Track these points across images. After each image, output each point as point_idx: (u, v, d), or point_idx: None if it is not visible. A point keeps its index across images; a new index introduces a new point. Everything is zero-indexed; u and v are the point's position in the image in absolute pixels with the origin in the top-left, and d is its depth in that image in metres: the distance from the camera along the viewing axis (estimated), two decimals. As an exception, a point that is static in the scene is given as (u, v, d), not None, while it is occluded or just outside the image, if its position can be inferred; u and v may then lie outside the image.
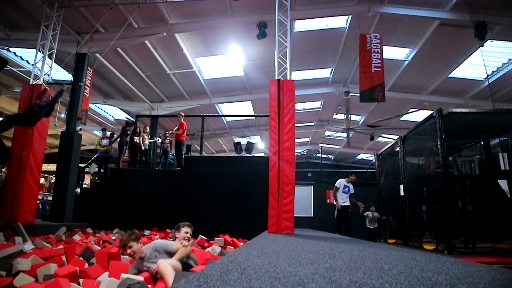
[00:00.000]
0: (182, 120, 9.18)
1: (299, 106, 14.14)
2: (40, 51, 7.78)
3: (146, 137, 9.49)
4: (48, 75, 7.84)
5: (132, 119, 11.51)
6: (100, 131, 10.42)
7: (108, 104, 14.01)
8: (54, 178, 12.52)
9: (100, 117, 15.40)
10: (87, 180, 10.64)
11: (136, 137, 9.39)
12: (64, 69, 11.04)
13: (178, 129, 9.15)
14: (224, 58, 11.25)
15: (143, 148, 9.34)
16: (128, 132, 9.74)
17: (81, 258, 2.89)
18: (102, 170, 9.78)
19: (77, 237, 4.93)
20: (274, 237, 4.37)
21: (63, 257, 2.88)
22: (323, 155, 19.95)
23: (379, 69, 8.41)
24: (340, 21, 9.88)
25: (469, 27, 7.90)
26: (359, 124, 16.17)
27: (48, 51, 7.78)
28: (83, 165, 10.08)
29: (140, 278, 2.11)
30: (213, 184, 7.32)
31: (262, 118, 14.07)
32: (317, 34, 10.30)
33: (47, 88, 7.14)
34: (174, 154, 9.85)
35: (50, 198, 12.22)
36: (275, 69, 6.55)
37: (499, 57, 4.40)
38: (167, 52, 10.78)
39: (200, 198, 7.31)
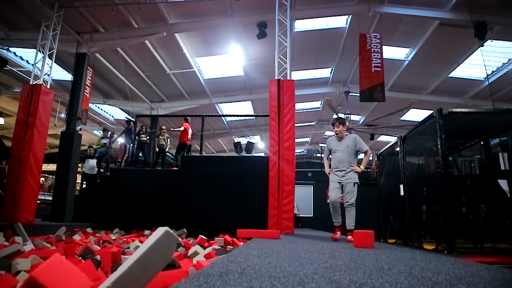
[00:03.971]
0: (185, 122, 9.40)
1: (299, 106, 14.14)
2: (40, 51, 7.78)
3: (161, 137, 9.44)
4: (48, 75, 7.84)
5: (132, 119, 11.52)
6: (101, 131, 10.41)
7: (108, 104, 14.02)
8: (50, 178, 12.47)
9: (100, 117, 15.41)
10: (78, 180, 10.66)
11: (143, 136, 9.41)
12: (64, 69, 11.06)
13: (180, 127, 9.34)
14: (224, 58, 11.25)
15: (156, 149, 9.43)
16: (131, 129, 9.77)
17: (80, 258, 2.90)
18: (102, 170, 9.78)
19: (77, 237, 4.92)
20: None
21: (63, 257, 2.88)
22: (323, 155, 19.91)
23: (379, 69, 8.42)
24: (340, 21, 9.88)
25: (469, 27, 7.91)
26: (359, 124, 16.17)
27: (48, 51, 7.78)
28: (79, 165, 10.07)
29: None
30: (213, 184, 7.31)
31: (262, 118, 14.08)
32: (317, 34, 10.30)
33: None
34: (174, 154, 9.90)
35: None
36: (275, 69, 6.56)
37: (499, 57, 4.40)
38: (167, 52, 10.78)
39: (200, 198, 7.30)
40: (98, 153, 9.59)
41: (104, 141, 9.67)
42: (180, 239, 1.13)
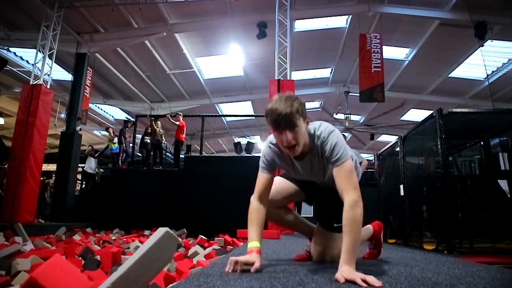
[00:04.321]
0: (180, 119, 9.09)
1: (299, 106, 14.10)
2: (40, 51, 7.78)
3: (158, 131, 9.03)
4: (48, 75, 7.84)
5: (132, 119, 11.50)
6: (105, 131, 10.28)
7: (108, 104, 14.02)
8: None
9: (100, 117, 15.40)
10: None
11: (147, 137, 9.26)
12: (64, 69, 11.06)
13: (176, 121, 9.03)
14: (224, 58, 11.25)
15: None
16: (123, 129, 9.71)
17: (80, 258, 2.90)
18: (102, 170, 9.78)
19: (77, 237, 4.92)
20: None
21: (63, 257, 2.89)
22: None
23: (379, 69, 8.42)
24: (340, 21, 9.88)
25: (469, 27, 7.91)
26: (359, 124, 16.18)
27: (48, 51, 7.78)
28: (83, 165, 10.07)
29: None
30: (213, 184, 7.32)
31: (262, 118, 14.06)
32: (317, 34, 10.30)
33: None
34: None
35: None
36: (275, 69, 6.57)
37: (499, 57, 4.40)
38: (167, 52, 10.78)
39: (200, 198, 7.31)
40: (113, 149, 9.54)
41: (116, 139, 9.66)
42: (180, 239, 1.14)
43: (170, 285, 1.97)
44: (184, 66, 11.40)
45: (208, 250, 3.58)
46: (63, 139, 8.49)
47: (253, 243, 1.50)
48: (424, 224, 4.52)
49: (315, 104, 15.83)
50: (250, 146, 11.22)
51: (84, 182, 9.83)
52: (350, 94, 12.59)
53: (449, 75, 11.34)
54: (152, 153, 9.18)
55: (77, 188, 10.93)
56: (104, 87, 12.84)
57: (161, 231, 1.19)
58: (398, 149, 5.42)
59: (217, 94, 13.70)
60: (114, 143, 9.52)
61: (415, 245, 4.41)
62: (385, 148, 6.55)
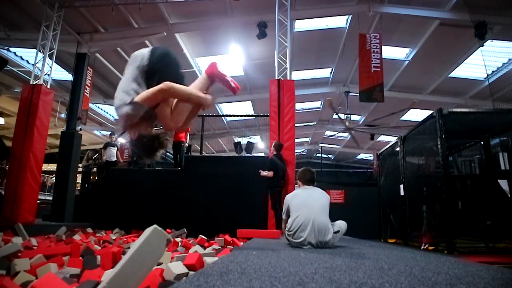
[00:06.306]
0: None
1: (299, 106, 14.13)
2: (40, 51, 7.78)
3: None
4: (49, 75, 7.84)
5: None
6: (100, 131, 10.34)
7: (108, 104, 14.01)
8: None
9: (100, 117, 15.41)
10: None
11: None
12: (64, 69, 11.07)
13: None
14: (224, 58, 11.25)
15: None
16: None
17: (81, 257, 2.91)
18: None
19: (77, 237, 4.93)
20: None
21: (65, 258, 2.90)
22: (323, 155, 20.01)
23: (378, 69, 8.41)
24: (340, 21, 9.87)
25: (469, 27, 7.90)
26: (359, 124, 16.17)
27: (49, 51, 7.78)
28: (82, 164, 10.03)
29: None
30: (213, 184, 7.31)
31: (262, 118, 14.08)
32: (317, 34, 10.30)
33: None
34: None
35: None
36: (275, 69, 6.57)
37: (499, 57, 4.40)
38: (167, 52, 10.77)
39: (200, 198, 7.30)
40: None
41: None
42: (169, 235, 1.19)
43: (171, 285, 1.97)
44: (184, 66, 11.39)
45: (208, 250, 3.59)
46: (63, 139, 8.48)
47: None
48: (423, 224, 4.52)
49: (316, 104, 15.82)
50: (250, 146, 11.22)
51: (104, 173, 9.57)
52: (350, 94, 12.59)
53: (449, 75, 11.34)
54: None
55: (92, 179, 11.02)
56: (104, 87, 12.84)
57: (150, 229, 1.27)
58: (398, 149, 5.43)
59: (217, 94, 13.67)
60: None
61: (415, 245, 4.41)
62: (385, 148, 6.55)
